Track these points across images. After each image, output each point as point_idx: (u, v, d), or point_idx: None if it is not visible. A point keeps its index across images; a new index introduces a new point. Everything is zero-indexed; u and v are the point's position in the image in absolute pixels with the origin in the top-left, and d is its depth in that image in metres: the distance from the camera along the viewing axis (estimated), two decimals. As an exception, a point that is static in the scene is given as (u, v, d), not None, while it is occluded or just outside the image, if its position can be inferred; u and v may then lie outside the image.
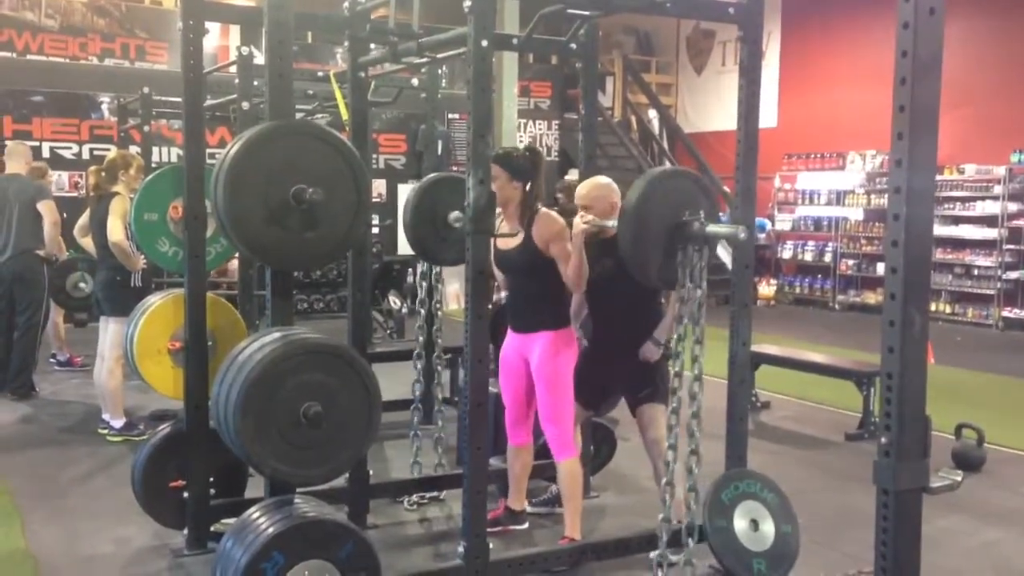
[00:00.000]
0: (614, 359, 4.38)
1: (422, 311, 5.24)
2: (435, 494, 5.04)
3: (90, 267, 7.83)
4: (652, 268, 3.62)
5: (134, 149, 7.81)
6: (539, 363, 4.18)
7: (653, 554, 3.70)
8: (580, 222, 3.98)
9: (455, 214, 4.57)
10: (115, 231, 5.86)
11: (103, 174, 6.15)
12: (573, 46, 4.70)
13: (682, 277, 3.56)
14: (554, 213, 4.20)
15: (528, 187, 4.16)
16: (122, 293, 5.96)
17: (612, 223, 3.77)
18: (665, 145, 16.29)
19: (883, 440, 2.12)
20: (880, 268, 13.25)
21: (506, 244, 4.19)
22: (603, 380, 4.44)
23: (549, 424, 4.20)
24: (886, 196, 11.65)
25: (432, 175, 5.02)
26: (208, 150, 4.38)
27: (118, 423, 6.21)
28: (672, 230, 3.55)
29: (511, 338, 4.36)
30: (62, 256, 7.85)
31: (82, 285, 8.02)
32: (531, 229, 4.13)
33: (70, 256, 8.10)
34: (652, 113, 16.45)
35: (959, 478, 2.21)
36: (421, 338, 5.26)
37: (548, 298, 4.21)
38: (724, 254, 14.43)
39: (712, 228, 3.50)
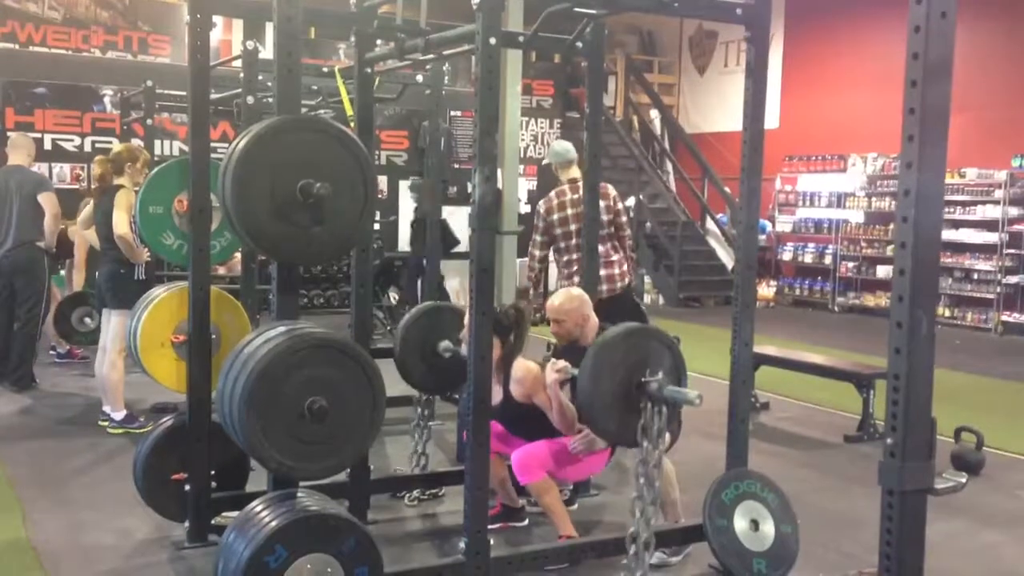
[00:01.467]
0: None
1: None
2: (435, 491, 5.05)
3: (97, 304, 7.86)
4: (610, 425, 3.64)
5: (136, 142, 7.79)
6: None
7: (655, 557, 3.70)
8: (551, 372, 4.03)
9: (445, 343, 4.68)
10: (120, 224, 5.86)
11: (109, 166, 6.15)
12: (579, 45, 4.71)
13: (640, 437, 3.56)
14: (528, 364, 4.25)
15: (509, 342, 4.27)
16: (125, 285, 5.97)
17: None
18: (666, 145, 16.30)
19: (889, 441, 2.13)
20: (880, 271, 13.27)
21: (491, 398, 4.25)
22: None
23: (529, 455, 4.21)
24: (887, 199, 11.68)
25: (424, 304, 5.12)
26: (210, 144, 4.38)
27: (119, 415, 6.21)
28: (632, 387, 3.57)
29: None
30: (79, 232, 7.87)
31: (87, 320, 8.13)
32: (507, 386, 4.24)
33: (79, 291, 8.17)
34: (654, 113, 16.46)
35: (964, 480, 2.23)
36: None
37: (549, 431, 4.26)
38: (725, 255, 14.48)
39: (670, 390, 3.52)
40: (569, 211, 5.98)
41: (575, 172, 6.13)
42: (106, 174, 6.17)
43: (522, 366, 4.25)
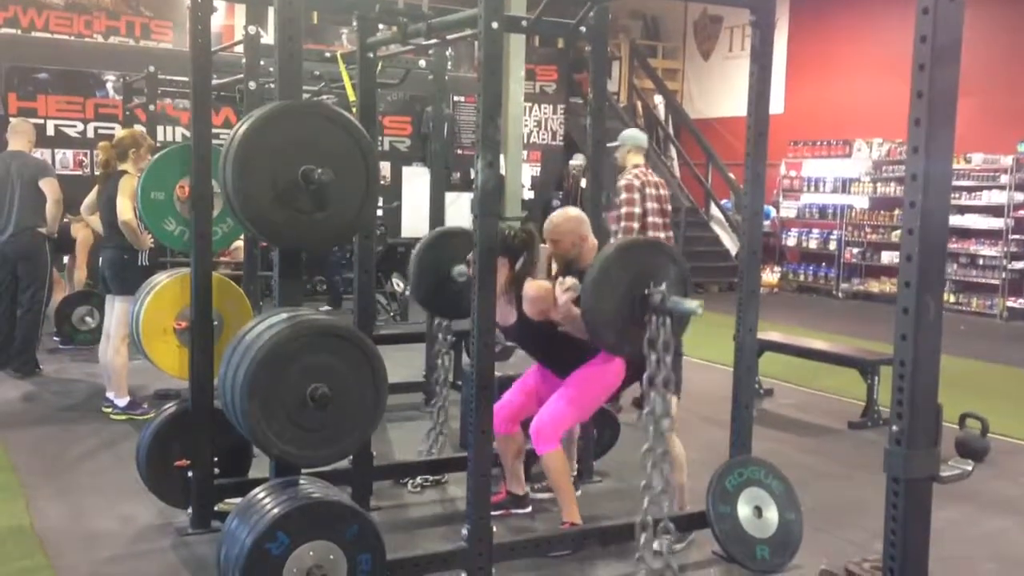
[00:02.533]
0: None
1: None
2: (438, 477, 5.04)
3: (98, 303, 7.85)
4: (614, 338, 3.64)
5: (139, 128, 7.77)
6: (585, 368, 4.21)
7: (656, 545, 3.69)
8: (560, 291, 3.98)
9: (459, 268, 4.64)
10: (124, 210, 5.84)
11: (113, 151, 6.13)
12: (583, 29, 4.67)
13: (647, 350, 3.56)
14: (540, 283, 4.19)
15: (519, 263, 4.22)
16: (129, 272, 5.96)
17: None
18: (671, 131, 16.24)
19: (894, 428, 2.11)
20: (885, 257, 13.23)
21: (505, 320, 4.21)
22: None
23: (548, 417, 4.18)
24: (892, 185, 11.63)
25: (437, 230, 5.07)
26: (212, 130, 4.36)
27: (122, 402, 6.21)
28: (636, 299, 3.56)
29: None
30: (81, 277, 7.92)
31: (88, 319, 8.13)
32: (521, 307, 4.19)
33: (86, 287, 8.17)
34: (658, 98, 16.39)
35: (969, 467, 2.21)
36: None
37: (569, 347, 4.20)
38: (729, 241, 14.44)
39: (674, 302, 3.50)
40: (650, 191, 6.39)
41: (640, 159, 6.57)
42: (110, 160, 6.15)
43: (534, 285, 4.16)
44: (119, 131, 6.53)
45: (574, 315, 3.97)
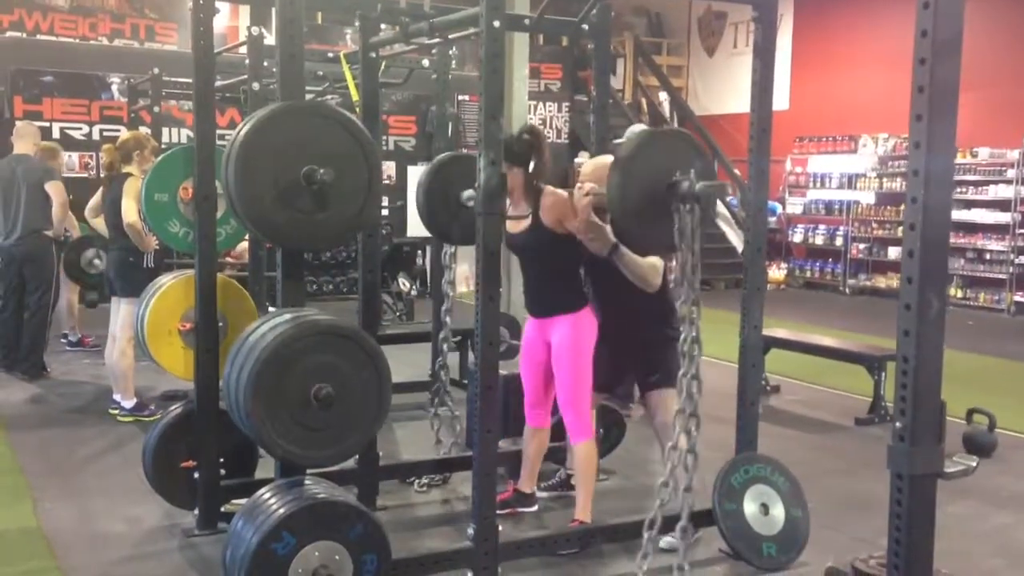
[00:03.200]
0: (622, 336, 4.35)
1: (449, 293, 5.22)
2: (445, 475, 5.04)
3: (103, 245, 7.85)
4: (641, 231, 3.51)
5: (144, 130, 7.78)
6: (559, 347, 4.18)
7: (663, 542, 3.68)
8: (580, 194, 3.90)
9: (468, 192, 4.54)
10: (129, 212, 5.85)
11: (117, 154, 6.14)
12: (585, 27, 4.66)
13: (677, 240, 3.42)
14: (558, 191, 4.15)
15: (530, 169, 4.12)
16: (134, 273, 5.97)
17: None
18: (676, 127, 16.22)
19: (898, 425, 2.10)
20: (891, 252, 13.19)
21: (516, 227, 4.18)
22: (613, 360, 4.40)
23: (568, 407, 4.20)
24: (898, 180, 11.60)
25: (444, 154, 5.00)
26: (218, 131, 4.36)
27: (129, 403, 6.22)
28: (662, 190, 3.41)
29: (531, 323, 4.37)
30: (75, 233, 7.86)
31: (96, 262, 8.06)
32: (539, 210, 4.11)
33: (83, 235, 8.12)
34: (663, 95, 16.36)
35: (974, 463, 2.20)
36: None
37: (563, 279, 4.21)
38: (735, 237, 14.41)
39: (702, 185, 3.36)
40: None
41: None
42: (114, 162, 6.16)
43: (551, 191, 4.12)
44: (123, 133, 6.53)
45: (591, 223, 3.90)
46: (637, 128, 6.65)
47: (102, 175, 6.51)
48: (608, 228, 3.94)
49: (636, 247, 3.86)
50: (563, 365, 4.18)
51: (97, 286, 8.19)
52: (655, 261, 4.11)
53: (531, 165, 4.12)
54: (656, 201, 3.40)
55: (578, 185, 4.03)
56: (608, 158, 4.32)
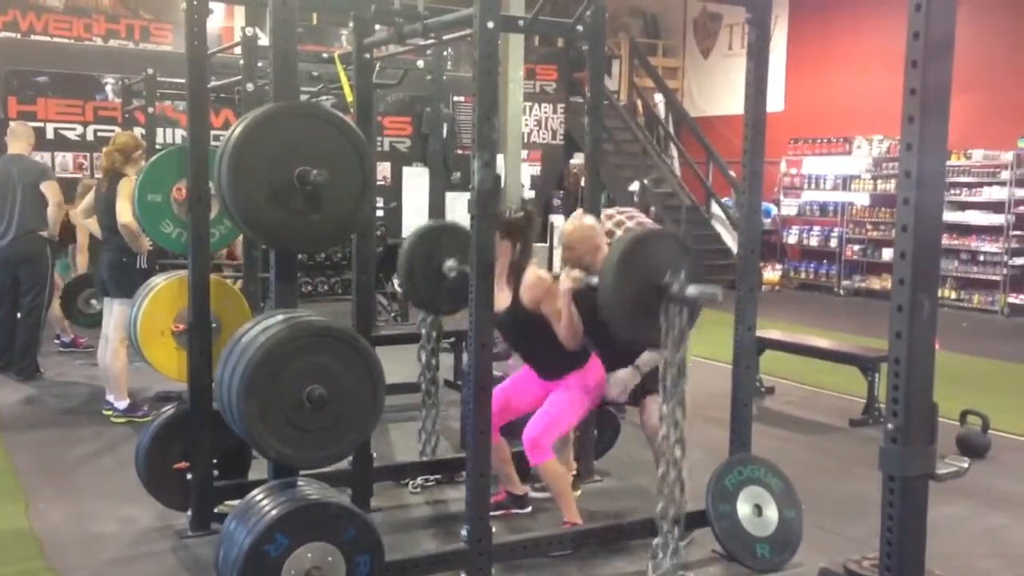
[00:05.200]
0: (621, 350, 4.34)
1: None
2: (439, 477, 5.03)
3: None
4: (631, 328, 3.63)
5: (138, 131, 7.77)
6: (568, 381, 4.21)
7: (656, 541, 3.68)
8: (566, 280, 3.98)
9: (450, 262, 4.63)
10: (124, 212, 5.83)
11: (119, 155, 6.13)
12: (580, 28, 4.66)
13: (664, 339, 3.55)
14: (541, 272, 4.20)
15: (518, 247, 4.18)
16: (127, 274, 5.95)
17: (596, 280, 3.74)
18: (671, 129, 16.22)
19: (890, 426, 2.11)
20: (886, 254, 13.21)
21: (497, 304, 4.19)
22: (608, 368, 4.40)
23: (539, 428, 4.17)
24: (892, 181, 11.65)
25: (426, 224, 5.05)
26: (212, 132, 4.36)
27: (122, 404, 6.21)
28: (653, 290, 3.54)
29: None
30: (79, 267, 7.91)
31: (93, 301, 8.12)
32: (519, 291, 4.15)
33: (84, 272, 8.15)
34: (658, 97, 16.36)
35: (965, 465, 2.21)
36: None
37: (557, 346, 4.17)
38: (728, 238, 14.42)
39: (692, 290, 3.48)
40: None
41: None
42: (115, 163, 6.14)
43: (535, 272, 4.16)
44: (118, 134, 6.52)
45: (568, 312, 3.97)
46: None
47: (99, 177, 6.50)
48: (580, 325, 4.03)
49: (626, 336, 3.92)
50: (563, 390, 4.20)
51: (92, 325, 8.18)
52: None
53: (518, 244, 4.18)
54: (646, 300, 3.54)
55: (565, 270, 4.07)
56: (586, 220, 4.36)
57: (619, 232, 5.91)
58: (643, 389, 4.39)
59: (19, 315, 7.32)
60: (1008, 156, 11.84)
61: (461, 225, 4.81)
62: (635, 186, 14.13)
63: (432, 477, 5.01)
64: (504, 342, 4.62)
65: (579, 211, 4.50)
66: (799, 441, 6.17)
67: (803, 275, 14.48)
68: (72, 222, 8.16)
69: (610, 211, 6.19)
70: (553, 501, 4.62)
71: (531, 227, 4.24)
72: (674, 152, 15.97)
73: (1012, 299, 11.87)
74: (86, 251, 8.17)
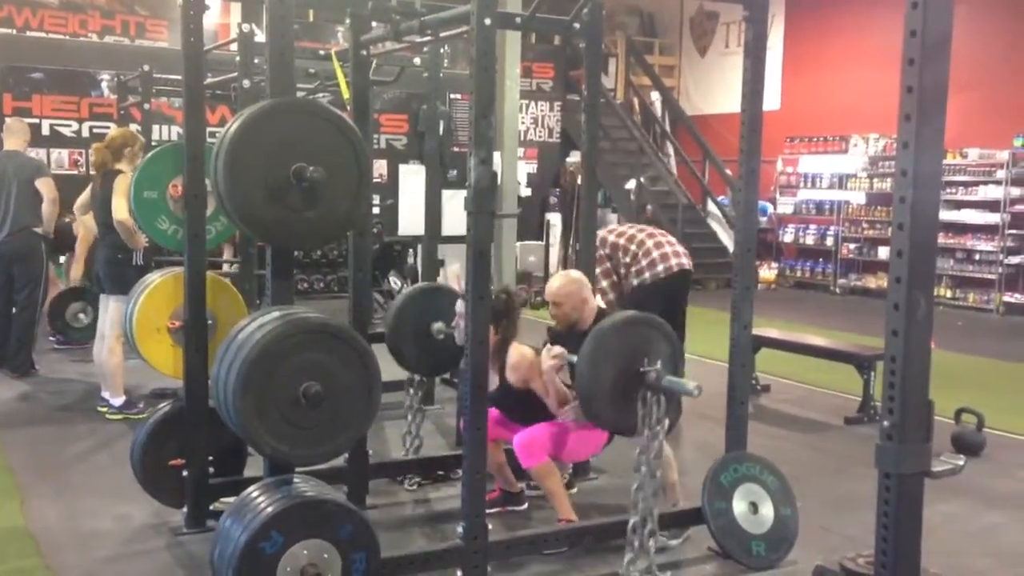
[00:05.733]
0: None
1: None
2: (434, 474, 5.03)
3: (92, 298, 7.84)
4: (608, 413, 3.64)
5: (134, 127, 7.75)
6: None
7: (653, 542, 3.68)
8: (547, 358, 4.01)
9: (438, 325, 4.67)
10: (119, 209, 5.82)
11: (107, 151, 6.11)
12: (577, 26, 4.66)
13: (642, 425, 3.56)
14: (523, 350, 4.23)
15: (500, 329, 4.21)
16: (123, 271, 5.94)
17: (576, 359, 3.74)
18: (667, 127, 16.23)
19: (885, 424, 2.11)
20: (882, 252, 13.23)
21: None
22: None
23: (535, 436, 4.18)
24: (888, 180, 11.66)
25: (416, 286, 5.09)
26: (208, 128, 4.35)
27: (117, 401, 6.20)
28: (631, 375, 3.56)
29: None
30: (73, 277, 7.90)
31: (82, 316, 8.12)
32: (503, 372, 4.21)
33: (82, 284, 8.14)
34: (655, 95, 16.37)
35: (961, 463, 2.21)
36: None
37: (552, 417, 4.23)
38: (726, 237, 14.43)
39: (668, 381, 3.51)
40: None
41: None
42: (105, 160, 6.13)
43: (517, 352, 4.23)
44: (112, 130, 6.51)
45: (555, 387, 4.04)
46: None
47: (92, 173, 6.49)
48: (570, 396, 4.07)
49: (602, 426, 3.96)
50: (578, 428, 4.21)
51: (80, 341, 8.17)
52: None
53: (501, 326, 4.21)
54: (624, 385, 3.57)
55: (546, 348, 4.10)
56: (571, 275, 4.38)
57: (632, 247, 5.95)
58: None
59: (14, 312, 7.31)
60: (1004, 155, 11.86)
61: (449, 288, 4.86)
62: (631, 184, 14.14)
63: (428, 475, 5.01)
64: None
65: (563, 272, 4.55)
66: (795, 439, 6.18)
67: (799, 273, 14.50)
68: (74, 232, 8.13)
69: (621, 228, 6.22)
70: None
71: (513, 308, 4.30)
72: (670, 150, 15.99)
73: (1007, 298, 11.89)
74: (83, 263, 8.14)
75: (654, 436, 3.55)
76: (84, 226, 7.89)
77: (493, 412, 4.39)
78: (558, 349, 4.00)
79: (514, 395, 4.26)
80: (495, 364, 4.19)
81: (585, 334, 3.76)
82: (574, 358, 3.75)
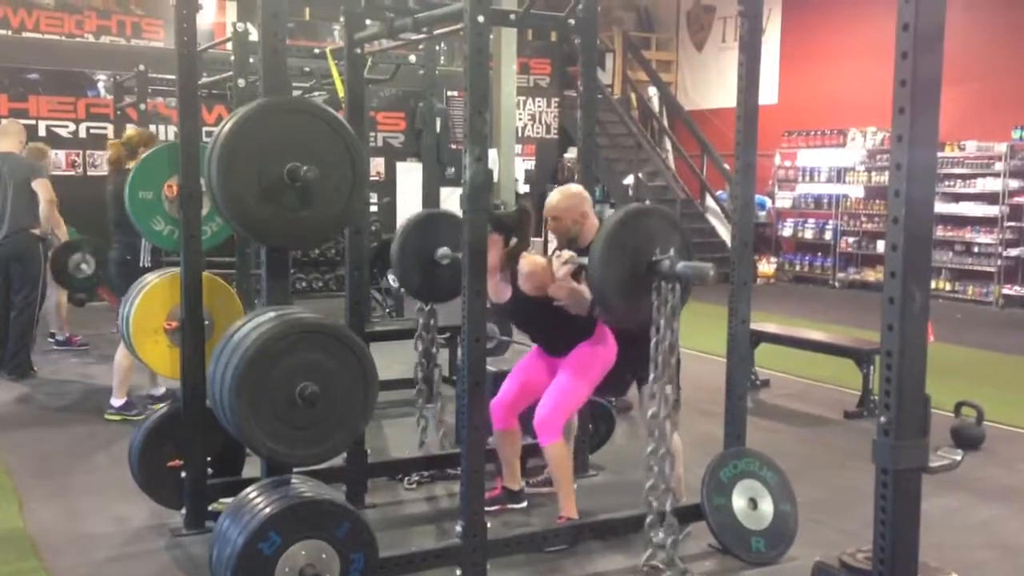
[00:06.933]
0: (620, 339, 4.33)
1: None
2: (434, 472, 5.02)
3: (92, 248, 7.81)
4: (622, 307, 3.60)
5: (130, 127, 7.74)
6: (574, 355, 4.19)
7: (656, 537, 3.67)
8: (559, 266, 3.94)
9: (443, 250, 4.63)
10: None
11: (123, 148, 6.14)
12: (572, 22, 4.64)
13: (656, 316, 3.52)
14: (534, 258, 4.17)
15: (513, 241, 4.18)
16: (131, 272, 5.93)
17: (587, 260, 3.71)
18: (665, 122, 16.22)
19: (882, 419, 2.10)
20: (880, 246, 13.21)
21: (499, 296, 4.19)
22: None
23: (550, 407, 4.15)
24: (887, 173, 11.60)
25: (417, 213, 5.06)
26: (205, 128, 4.34)
27: (118, 402, 6.19)
28: (643, 268, 3.52)
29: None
30: (62, 235, 7.80)
31: (83, 266, 8.00)
32: (516, 282, 4.16)
33: (72, 237, 8.07)
34: (652, 90, 16.36)
35: (959, 457, 2.20)
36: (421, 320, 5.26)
37: (566, 323, 4.16)
38: (724, 232, 14.43)
39: (683, 266, 3.47)
40: None
41: None
42: (120, 157, 6.16)
43: (529, 260, 4.13)
44: (129, 129, 6.51)
45: (571, 289, 3.95)
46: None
47: (108, 169, 6.53)
48: (586, 290, 3.99)
49: (617, 322, 3.93)
50: (572, 365, 4.18)
51: (85, 289, 8.13)
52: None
53: (514, 239, 4.18)
54: (637, 278, 3.51)
55: (556, 254, 4.05)
56: (570, 187, 4.35)
57: None
58: (639, 378, 4.36)
59: (12, 313, 7.29)
60: (1002, 147, 11.84)
61: (453, 213, 4.82)
62: (629, 179, 14.13)
63: (427, 473, 5.00)
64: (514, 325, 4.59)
65: (562, 186, 4.47)
66: (794, 434, 6.17)
67: (798, 268, 14.49)
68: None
69: None
70: (549, 496, 4.62)
71: (526, 222, 4.23)
72: (668, 145, 15.98)
73: (1006, 290, 11.88)
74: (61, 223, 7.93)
75: (669, 327, 3.49)
76: (45, 186, 7.53)
77: (505, 397, 4.39)
78: (568, 253, 3.94)
79: (529, 304, 4.17)
80: (506, 275, 4.17)
81: (584, 250, 3.74)
82: (585, 260, 3.69)
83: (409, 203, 11.15)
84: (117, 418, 6.13)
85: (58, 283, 8.05)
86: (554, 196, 4.29)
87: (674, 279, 3.47)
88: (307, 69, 7.30)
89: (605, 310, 3.71)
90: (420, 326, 5.13)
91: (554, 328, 4.22)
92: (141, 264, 6.00)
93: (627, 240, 3.52)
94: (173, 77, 4.25)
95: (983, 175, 12.07)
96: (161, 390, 6.23)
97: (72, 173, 11.03)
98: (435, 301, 5.04)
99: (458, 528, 3.60)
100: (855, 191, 13.73)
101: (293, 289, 9.49)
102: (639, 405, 4.61)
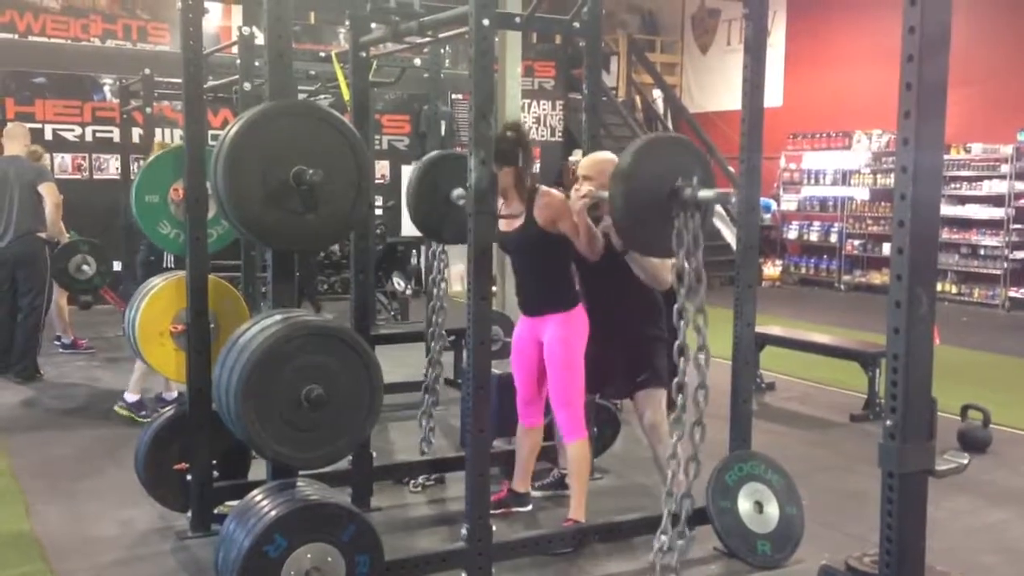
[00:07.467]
0: (609, 336, 4.33)
1: (435, 291, 5.25)
2: (439, 475, 5.03)
3: (92, 249, 7.82)
4: (644, 236, 3.55)
5: (136, 131, 7.75)
6: (551, 345, 4.17)
7: (663, 538, 3.66)
8: (576, 195, 3.94)
9: (458, 191, 4.56)
10: None
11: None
12: (576, 25, 4.65)
13: (676, 246, 3.47)
14: (553, 190, 4.18)
15: (518, 169, 4.12)
16: (156, 272, 5.94)
17: (607, 194, 3.70)
18: (670, 125, 16.19)
19: (888, 422, 2.10)
20: (886, 248, 13.17)
21: (508, 226, 4.17)
22: (601, 362, 4.38)
23: (561, 406, 4.19)
24: (892, 176, 11.61)
25: (434, 153, 5.02)
26: (211, 131, 4.35)
27: (132, 398, 6.21)
28: (664, 197, 3.44)
29: (523, 321, 4.37)
30: (64, 239, 7.82)
31: (85, 268, 7.99)
32: (532, 209, 4.10)
33: (72, 239, 8.07)
34: (657, 93, 16.35)
35: (965, 461, 2.19)
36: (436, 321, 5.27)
37: (555, 279, 4.21)
38: (728, 234, 14.40)
39: (704, 193, 3.41)
40: None
41: None
42: None
43: (547, 191, 4.13)
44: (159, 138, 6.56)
45: (586, 225, 3.96)
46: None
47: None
48: (599, 234, 3.96)
49: (639, 252, 3.91)
50: (555, 363, 4.17)
51: (87, 291, 8.14)
52: (667, 260, 4.10)
53: (520, 162, 4.11)
54: (658, 207, 3.43)
55: (575, 187, 4.03)
56: (605, 153, 4.32)
57: None
58: (635, 383, 4.37)
59: (18, 317, 7.31)
60: (1008, 149, 11.82)
61: (465, 154, 4.77)
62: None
63: (432, 476, 5.00)
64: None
65: (603, 150, 4.46)
66: (800, 437, 6.16)
67: (803, 270, 14.46)
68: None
69: None
70: (554, 499, 4.62)
71: (525, 142, 4.16)
72: (673, 148, 15.93)
73: (1013, 293, 11.85)
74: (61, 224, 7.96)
75: (692, 255, 3.46)
76: (51, 189, 7.47)
77: (523, 392, 4.38)
78: (587, 187, 3.94)
79: (533, 240, 4.13)
80: (521, 202, 4.13)
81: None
82: (604, 194, 3.65)
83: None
84: (125, 412, 6.16)
85: (59, 284, 8.06)
86: (589, 158, 4.30)
87: (694, 207, 3.42)
88: (312, 72, 7.31)
89: (626, 240, 3.67)
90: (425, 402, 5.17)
91: (537, 275, 4.22)
92: (164, 264, 6.03)
93: (648, 168, 3.45)
94: (179, 81, 4.26)
95: (989, 177, 12.05)
96: (174, 394, 6.23)
97: (78, 177, 11.05)
98: (448, 242, 5.01)
99: (463, 531, 3.60)
100: (860, 193, 13.72)
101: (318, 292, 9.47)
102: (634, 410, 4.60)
